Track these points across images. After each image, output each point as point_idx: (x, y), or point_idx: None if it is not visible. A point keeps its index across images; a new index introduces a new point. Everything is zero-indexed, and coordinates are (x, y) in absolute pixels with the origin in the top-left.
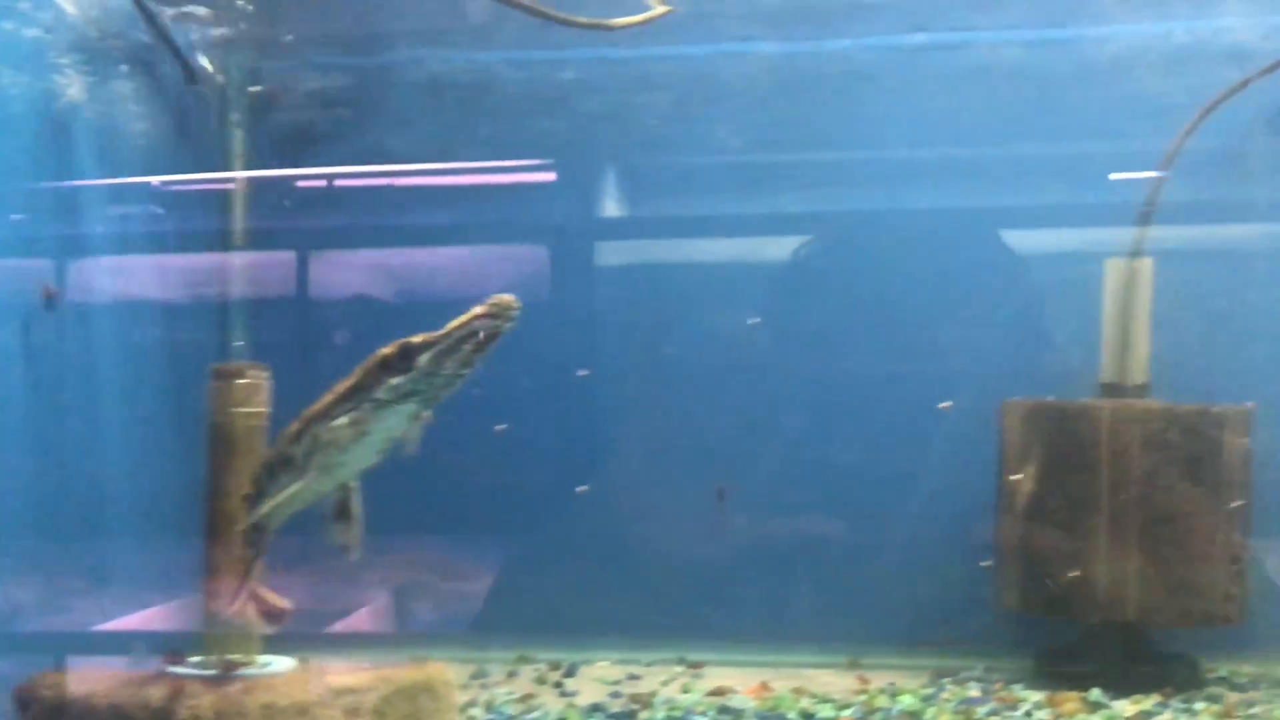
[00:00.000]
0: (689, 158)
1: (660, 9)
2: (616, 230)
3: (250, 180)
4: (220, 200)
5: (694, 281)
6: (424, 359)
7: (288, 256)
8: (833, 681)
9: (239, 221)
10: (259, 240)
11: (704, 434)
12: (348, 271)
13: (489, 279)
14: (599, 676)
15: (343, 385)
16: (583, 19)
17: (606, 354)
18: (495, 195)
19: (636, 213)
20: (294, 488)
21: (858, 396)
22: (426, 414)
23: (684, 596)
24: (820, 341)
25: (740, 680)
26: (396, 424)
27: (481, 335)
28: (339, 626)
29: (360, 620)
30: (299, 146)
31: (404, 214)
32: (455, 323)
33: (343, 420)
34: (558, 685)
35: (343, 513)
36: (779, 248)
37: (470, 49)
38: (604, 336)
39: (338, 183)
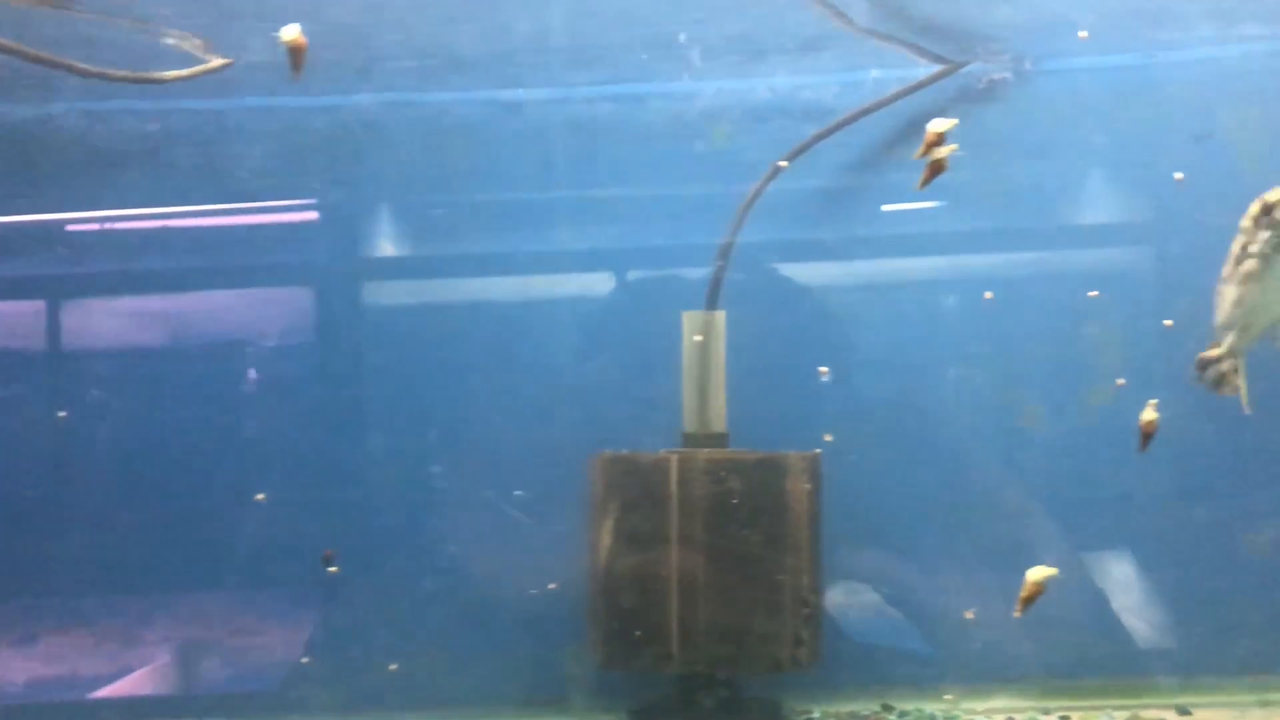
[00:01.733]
0: (282, 209)
1: (217, 62)
2: (212, 281)
3: None
4: None
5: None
6: None
7: None
8: None
9: None
10: None
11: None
12: None
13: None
14: None
15: None
16: (122, 73)
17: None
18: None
19: (233, 262)
20: None
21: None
22: None
23: (296, 660)
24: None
25: None
26: None
27: None
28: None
29: (135, 683)
30: None
31: None
32: None
33: None
34: None
35: None
36: (367, 295)
37: (36, 103)
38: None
39: None
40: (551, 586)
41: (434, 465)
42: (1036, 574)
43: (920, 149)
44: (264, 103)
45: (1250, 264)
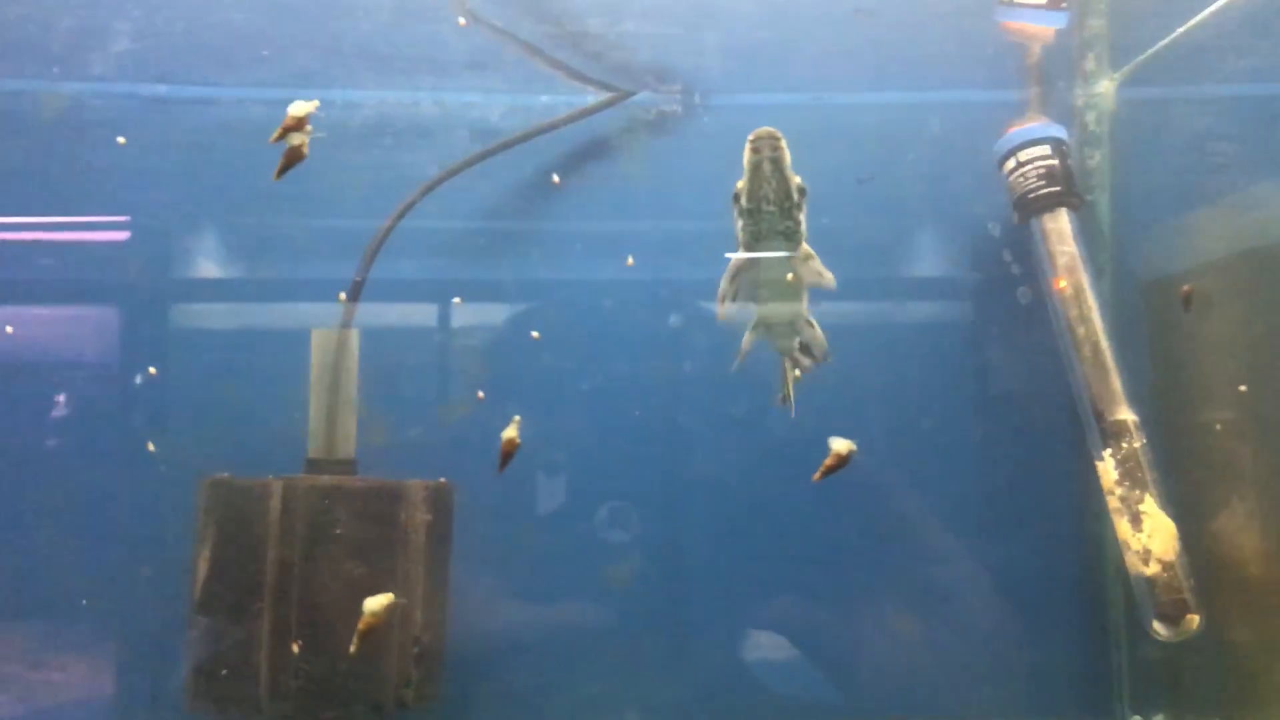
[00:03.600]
0: None
1: None
2: None
3: None
4: None
5: None
6: None
7: None
8: None
9: None
10: None
11: None
12: None
13: None
14: None
15: None
16: None
17: None
18: None
19: None
20: None
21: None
22: None
23: None
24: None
25: None
26: None
27: None
28: None
29: None
30: None
31: None
32: None
33: None
34: None
35: None
36: None
37: None
38: None
39: None
40: None
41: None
42: (373, 604)
43: (276, 132)
44: None
45: (737, 257)
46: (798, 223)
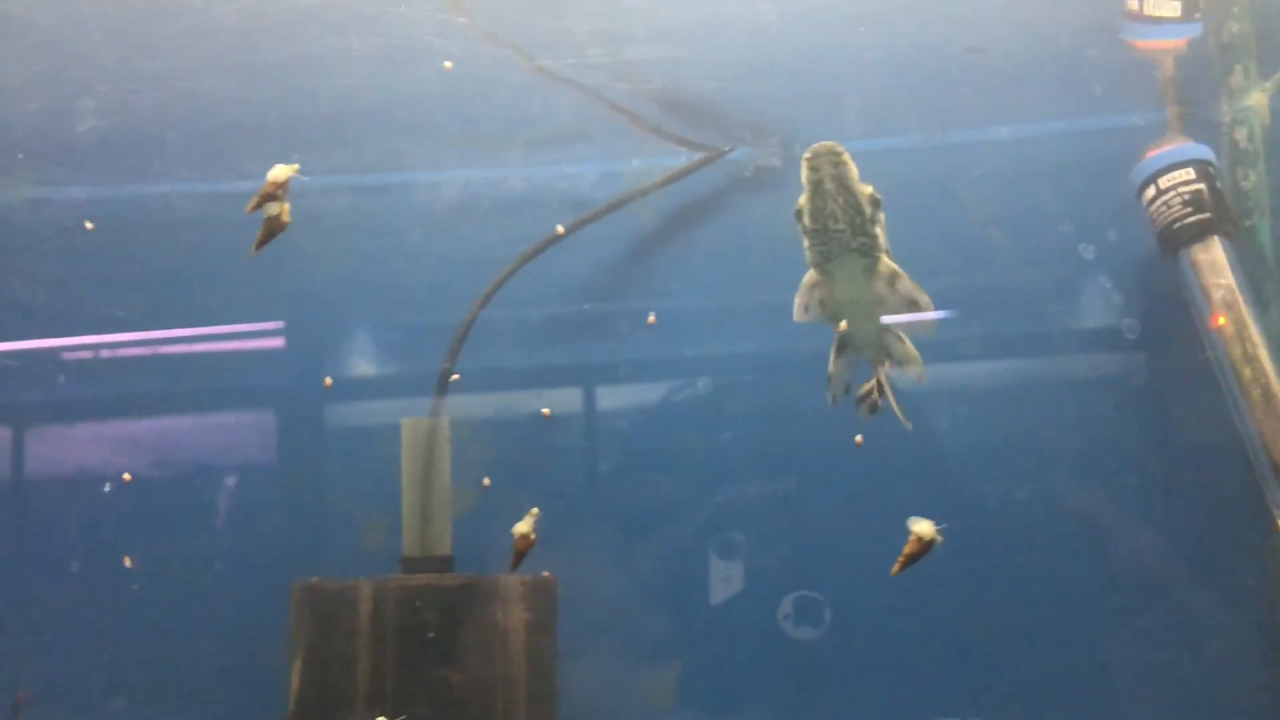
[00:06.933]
0: None
1: None
2: None
3: None
4: None
5: None
6: None
7: None
8: None
9: None
10: None
11: None
12: None
13: None
14: None
15: None
16: None
17: None
18: None
19: None
20: None
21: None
22: None
23: None
24: None
25: None
26: None
27: None
28: None
29: None
30: None
31: None
32: None
33: None
34: None
35: None
36: None
37: None
38: None
39: None
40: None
41: None
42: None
43: (253, 201)
44: None
45: (809, 274)
46: (874, 237)
